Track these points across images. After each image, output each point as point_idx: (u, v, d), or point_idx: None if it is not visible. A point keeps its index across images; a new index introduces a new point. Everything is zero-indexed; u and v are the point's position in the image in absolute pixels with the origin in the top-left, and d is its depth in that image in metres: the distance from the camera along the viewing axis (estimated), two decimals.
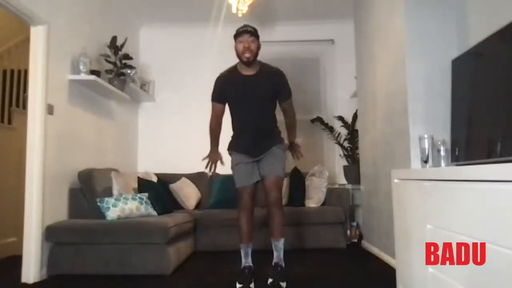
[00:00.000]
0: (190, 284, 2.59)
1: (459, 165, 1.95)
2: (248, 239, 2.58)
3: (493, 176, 1.14)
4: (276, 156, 2.57)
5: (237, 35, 2.48)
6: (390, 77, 2.93)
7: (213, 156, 2.72)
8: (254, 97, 2.52)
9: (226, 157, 2.72)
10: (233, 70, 2.57)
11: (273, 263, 2.52)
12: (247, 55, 2.43)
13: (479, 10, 2.29)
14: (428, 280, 1.61)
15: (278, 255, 2.53)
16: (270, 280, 2.39)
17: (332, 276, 2.73)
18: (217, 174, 2.62)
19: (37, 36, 2.82)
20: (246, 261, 2.57)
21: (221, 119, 2.69)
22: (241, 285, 2.35)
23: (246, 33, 2.45)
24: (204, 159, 2.72)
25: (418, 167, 2.38)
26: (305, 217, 3.68)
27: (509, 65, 1.68)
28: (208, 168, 2.70)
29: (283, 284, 2.36)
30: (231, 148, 2.65)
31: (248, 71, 2.52)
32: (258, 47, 2.51)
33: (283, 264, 2.52)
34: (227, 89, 2.56)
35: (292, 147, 2.83)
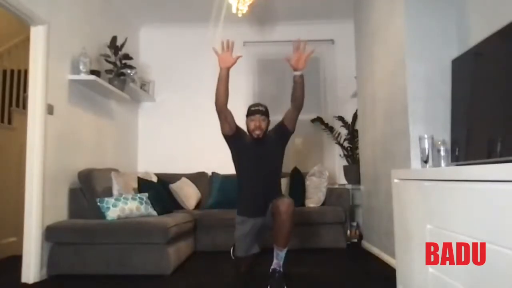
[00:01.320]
0: (190, 284, 2.59)
1: (459, 165, 1.94)
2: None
3: (493, 176, 1.14)
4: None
5: (249, 114, 2.63)
6: (390, 77, 2.93)
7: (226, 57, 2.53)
8: (264, 163, 2.64)
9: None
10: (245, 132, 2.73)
11: (270, 270, 2.45)
12: (257, 132, 2.58)
13: (479, 10, 2.29)
14: (428, 280, 1.61)
15: (278, 263, 2.46)
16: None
17: (332, 276, 2.73)
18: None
19: (37, 36, 2.82)
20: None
21: (226, 102, 2.55)
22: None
23: (258, 113, 2.60)
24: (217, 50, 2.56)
25: (418, 167, 2.38)
26: (305, 217, 3.68)
27: (509, 65, 1.68)
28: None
29: None
30: (239, 213, 2.70)
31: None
32: (268, 124, 2.66)
33: (282, 270, 2.44)
34: (240, 145, 2.66)
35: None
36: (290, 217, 2.44)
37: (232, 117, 2.61)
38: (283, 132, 2.69)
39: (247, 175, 2.68)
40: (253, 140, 2.64)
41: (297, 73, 2.53)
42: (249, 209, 2.66)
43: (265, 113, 2.64)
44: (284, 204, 2.43)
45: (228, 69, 2.50)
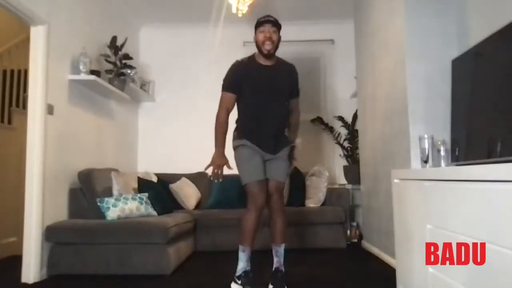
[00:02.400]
0: (190, 284, 2.59)
1: (459, 165, 1.94)
2: (253, 242, 2.37)
3: (493, 176, 1.15)
4: (285, 160, 2.48)
5: (258, 25, 2.38)
6: (390, 77, 2.93)
7: (219, 160, 2.31)
8: (273, 90, 2.40)
9: (232, 159, 2.41)
10: (251, 58, 2.44)
11: (273, 269, 2.44)
12: (267, 46, 2.33)
13: (479, 10, 2.29)
14: (428, 280, 1.61)
15: (279, 261, 2.44)
16: (271, 287, 2.34)
17: (332, 276, 2.73)
18: (224, 176, 2.34)
19: (37, 36, 2.82)
20: (247, 264, 2.38)
21: (230, 112, 2.41)
22: None
23: (268, 22, 2.35)
24: (207, 167, 2.34)
25: (418, 167, 2.38)
26: (305, 217, 3.68)
27: (509, 65, 1.68)
28: (213, 175, 2.31)
29: None
30: (241, 136, 2.40)
31: (266, 62, 2.41)
32: (279, 39, 2.40)
33: (284, 270, 2.44)
34: (243, 78, 2.38)
35: (292, 149, 2.63)
36: (282, 213, 2.43)
37: (233, 104, 2.44)
38: (293, 88, 2.52)
39: (251, 103, 2.40)
40: (263, 64, 2.40)
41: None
42: (252, 137, 2.39)
43: (276, 24, 2.37)
44: (275, 198, 2.40)
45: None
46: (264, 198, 2.35)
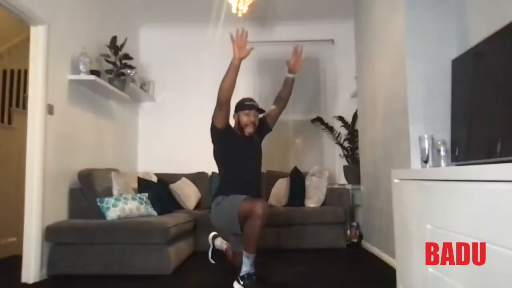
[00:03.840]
0: (190, 284, 2.59)
1: (459, 165, 1.94)
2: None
3: (493, 176, 1.14)
4: None
5: (242, 108, 2.56)
6: (390, 77, 2.93)
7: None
8: (253, 157, 2.64)
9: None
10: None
11: (245, 274, 2.37)
12: (250, 129, 2.54)
13: (479, 10, 2.28)
14: (428, 280, 1.61)
15: (249, 267, 2.39)
16: None
17: (332, 276, 2.73)
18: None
19: (37, 36, 2.82)
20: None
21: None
22: None
23: (254, 108, 2.55)
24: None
25: (418, 167, 2.38)
26: (305, 217, 3.68)
27: (509, 65, 1.68)
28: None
29: None
30: (228, 192, 2.52)
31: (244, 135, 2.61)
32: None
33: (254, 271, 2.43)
34: (232, 136, 2.59)
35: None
36: (264, 222, 2.30)
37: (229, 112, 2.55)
38: (264, 129, 2.71)
39: (236, 172, 2.57)
40: (243, 137, 2.59)
41: (291, 75, 2.67)
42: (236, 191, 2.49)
43: (259, 110, 2.59)
44: (260, 207, 2.26)
45: (241, 60, 2.37)
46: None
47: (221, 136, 2.54)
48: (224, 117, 2.49)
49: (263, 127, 2.72)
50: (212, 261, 3.09)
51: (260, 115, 2.66)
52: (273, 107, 2.81)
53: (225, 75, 2.39)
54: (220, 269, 2.97)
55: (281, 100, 2.79)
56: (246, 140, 2.60)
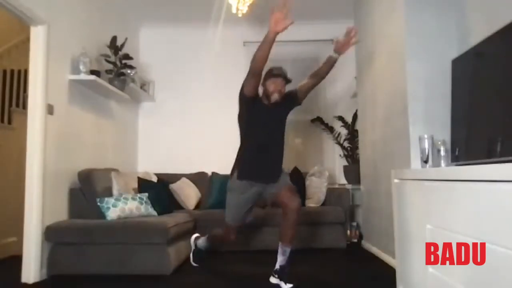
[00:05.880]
0: (190, 284, 2.59)
1: (459, 165, 1.94)
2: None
3: (493, 176, 1.14)
4: (286, 178, 2.69)
5: (271, 76, 2.54)
6: (390, 77, 2.93)
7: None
8: (276, 126, 2.62)
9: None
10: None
11: (279, 266, 2.51)
12: (276, 96, 2.51)
13: (479, 10, 2.29)
14: (428, 280, 1.61)
15: (285, 259, 2.53)
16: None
17: (332, 276, 2.73)
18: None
19: (37, 36, 2.81)
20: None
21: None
22: None
23: (281, 76, 2.54)
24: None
25: (418, 167, 2.38)
26: (305, 217, 3.67)
27: (509, 65, 1.68)
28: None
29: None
30: (245, 177, 2.56)
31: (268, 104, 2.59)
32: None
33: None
34: (257, 105, 2.58)
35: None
36: (299, 216, 2.50)
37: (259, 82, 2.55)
38: (294, 102, 2.69)
39: (256, 139, 2.58)
40: (268, 105, 2.57)
41: (336, 55, 2.65)
42: (255, 173, 2.55)
43: (286, 79, 2.58)
44: (295, 203, 2.45)
45: (277, 33, 2.30)
46: (236, 237, 2.68)
47: (247, 102, 2.55)
48: (254, 87, 2.49)
49: (293, 99, 2.69)
50: (194, 264, 3.08)
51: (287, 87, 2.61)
52: (306, 80, 2.76)
53: (258, 47, 2.33)
54: (220, 269, 2.97)
55: (316, 76, 2.76)
56: (271, 108, 2.57)
